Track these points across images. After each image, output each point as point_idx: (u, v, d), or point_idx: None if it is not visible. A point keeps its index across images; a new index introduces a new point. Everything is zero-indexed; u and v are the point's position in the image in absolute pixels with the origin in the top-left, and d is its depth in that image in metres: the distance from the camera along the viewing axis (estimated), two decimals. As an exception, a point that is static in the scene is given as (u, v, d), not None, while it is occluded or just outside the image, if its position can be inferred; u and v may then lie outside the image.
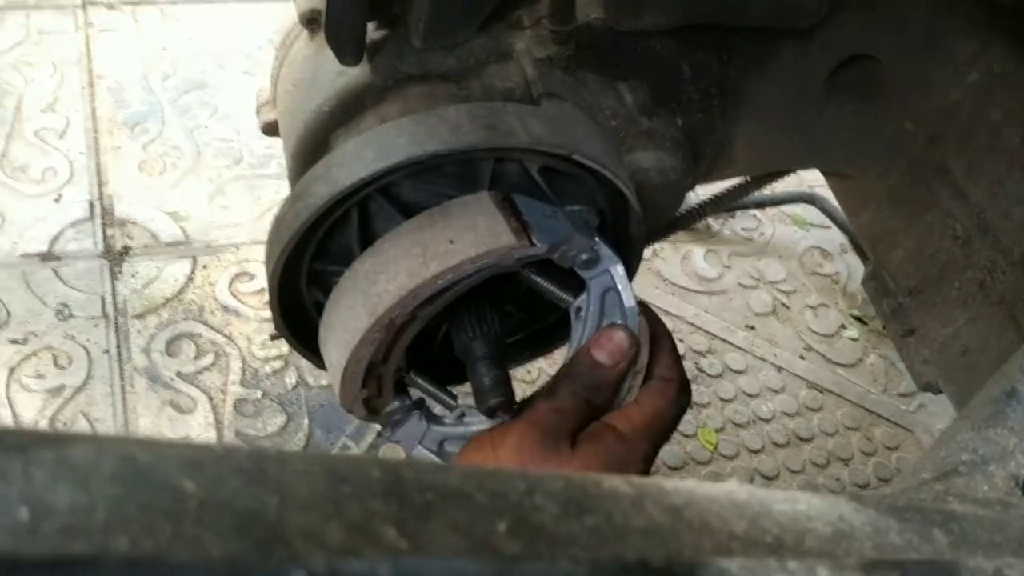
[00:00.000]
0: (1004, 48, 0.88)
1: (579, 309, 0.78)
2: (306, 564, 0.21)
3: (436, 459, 0.78)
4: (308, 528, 0.25)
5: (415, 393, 0.82)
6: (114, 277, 1.58)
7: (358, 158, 0.69)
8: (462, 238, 0.67)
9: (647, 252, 1.83)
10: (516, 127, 0.71)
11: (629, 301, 0.76)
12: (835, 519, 0.41)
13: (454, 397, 0.81)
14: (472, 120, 0.71)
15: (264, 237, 0.75)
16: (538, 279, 0.75)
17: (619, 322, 0.75)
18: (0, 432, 0.24)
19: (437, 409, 0.82)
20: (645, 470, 0.70)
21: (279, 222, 0.73)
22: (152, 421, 1.41)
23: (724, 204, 1.33)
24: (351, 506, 0.27)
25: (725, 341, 1.72)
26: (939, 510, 0.48)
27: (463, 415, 0.79)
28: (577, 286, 0.77)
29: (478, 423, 0.77)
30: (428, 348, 0.89)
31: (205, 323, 1.55)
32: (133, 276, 1.59)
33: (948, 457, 0.55)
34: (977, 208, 0.94)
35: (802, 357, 1.74)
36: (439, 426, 0.79)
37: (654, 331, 0.78)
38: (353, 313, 0.68)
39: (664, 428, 0.74)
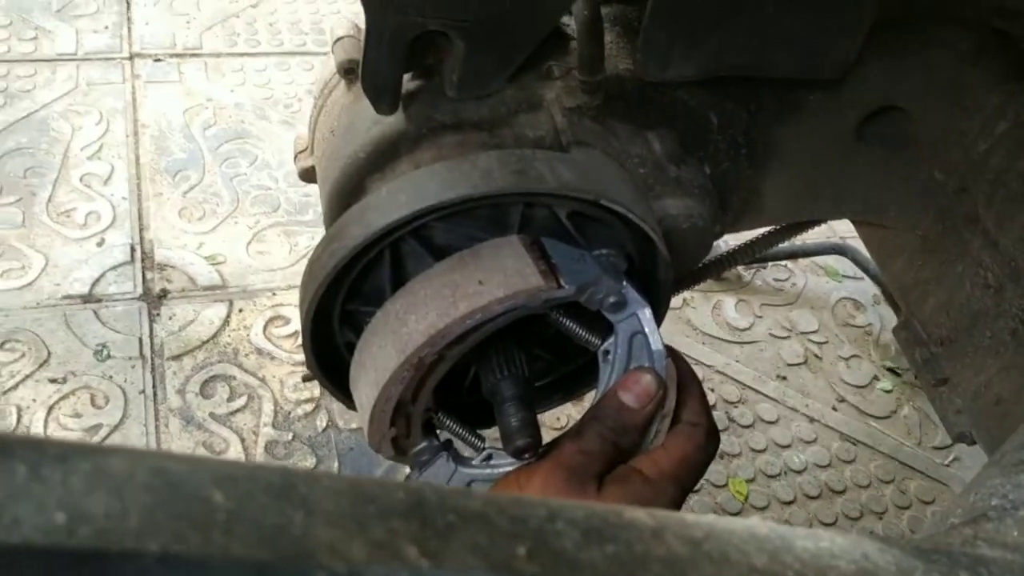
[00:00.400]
0: (1032, 98, 0.89)
1: (607, 352, 0.78)
2: (329, 568, 0.22)
3: None
4: (332, 543, 0.26)
5: (443, 434, 0.82)
6: (152, 319, 1.62)
7: (392, 202, 0.71)
8: (491, 279, 0.68)
9: (677, 300, 1.83)
10: (545, 173, 0.73)
11: (657, 345, 0.77)
12: (859, 557, 0.41)
13: (482, 439, 0.82)
14: (502, 166, 0.73)
15: (299, 282, 0.77)
16: (566, 321, 0.76)
17: (646, 365, 0.76)
18: (42, 442, 0.26)
19: (465, 451, 0.82)
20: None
21: (314, 262, 0.75)
22: (185, 462, 1.42)
23: (753, 253, 1.34)
24: (375, 524, 0.28)
25: (756, 391, 1.71)
26: (967, 553, 0.48)
27: (490, 457, 0.80)
28: (605, 330, 0.78)
29: (505, 465, 0.78)
30: (457, 390, 0.90)
31: (239, 366, 1.57)
32: (170, 319, 1.63)
33: (978, 502, 0.55)
34: (1008, 256, 0.94)
35: (834, 408, 1.72)
36: (466, 468, 0.80)
37: (682, 375, 0.78)
38: (383, 352, 0.70)
39: (692, 473, 0.74)
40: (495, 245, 0.72)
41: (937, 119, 0.97)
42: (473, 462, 0.80)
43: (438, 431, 0.82)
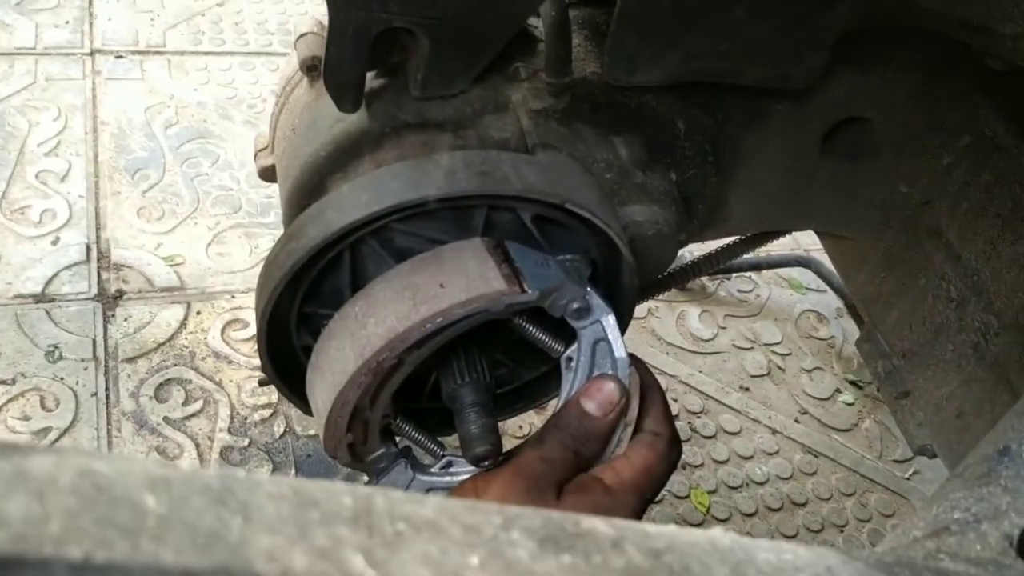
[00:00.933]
0: (995, 112, 0.90)
1: (569, 359, 0.77)
2: (261, 577, 0.21)
3: None
4: (272, 551, 0.25)
5: (401, 441, 0.80)
6: (107, 321, 1.58)
7: (352, 201, 0.70)
8: (452, 283, 0.67)
9: (642, 310, 1.82)
10: (510, 175, 0.72)
11: (620, 352, 0.76)
12: (822, 570, 0.40)
13: (441, 446, 0.80)
14: (467, 167, 0.71)
15: (257, 284, 0.75)
16: (529, 327, 0.75)
17: (609, 372, 0.75)
18: (-41, 442, 0.24)
19: (424, 458, 0.81)
20: None
21: (271, 262, 0.73)
22: (137, 467, 1.39)
23: (718, 263, 1.34)
24: (318, 531, 0.27)
25: (719, 402, 1.71)
26: (930, 567, 0.47)
27: (450, 464, 0.78)
28: (568, 336, 0.77)
29: (465, 473, 0.76)
30: (417, 396, 0.88)
31: (196, 369, 1.54)
32: (126, 320, 1.59)
33: (940, 515, 0.54)
34: (971, 270, 0.94)
35: (797, 420, 1.72)
36: (425, 475, 0.78)
37: (644, 384, 0.78)
38: (341, 355, 0.68)
39: (654, 483, 0.73)
40: (457, 247, 0.71)
41: (901, 132, 0.98)
42: (432, 469, 0.78)
43: (396, 438, 0.80)
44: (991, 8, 0.76)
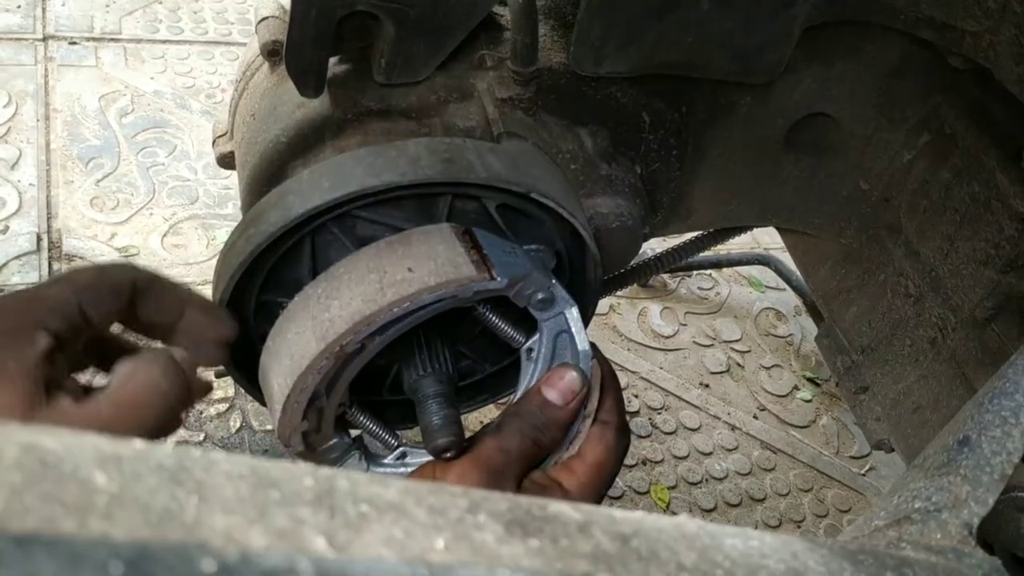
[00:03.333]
0: (956, 110, 0.91)
1: (530, 350, 0.77)
2: (218, 554, 0.20)
3: None
4: (229, 530, 0.23)
5: (355, 432, 0.79)
6: (57, 312, 1.53)
7: (314, 186, 0.68)
8: (421, 267, 0.65)
9: (604, 306, 1.83)
10: (475, 163, 0.71)
11: (583, 344, 0.75)
12: (788, 556, 0.40)
13: (396, 436, 0.79)
14: (431, 154, 0.70)
15: (215, 274, 0.73)
16: (491, 316, 0.74)
17: (571, 362, 0.74)
18: None
19: (379, 449, 0.79)
20: None
21: (229, 248, 0.71)
22: (88, 462, 1.35)
23: (680, 258, 1.34)
24: (278, 513, 0.25)
25: (680, 398, 1.72)
26: (892, 555, 0.47)
27: (404, 455, 0.77)
28: (530, 327, 0.76)
29: (420, 463, 0.75)
30: (378, 389, 0.87)
31: (150, 362, 1.50)
32: (78, 312, 1.55)
33: (901, 504, 0.54)
34: (929, 266, 0.95)
35: (755, 417, 1.73)
36: (378, 466, 0.77)
37: (603, 375, 0.77)
38: (301, 338, 0.66)
39: (607, 477, 0.73)
40: (425, 232, 0.69)
41: (863, 128, 0.99)
42: (385, 460, 0.77)
43: (350, 428, 0.79)
44: (953, 6, 0.77)
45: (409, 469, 0.75)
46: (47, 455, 0.23)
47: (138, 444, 0.25)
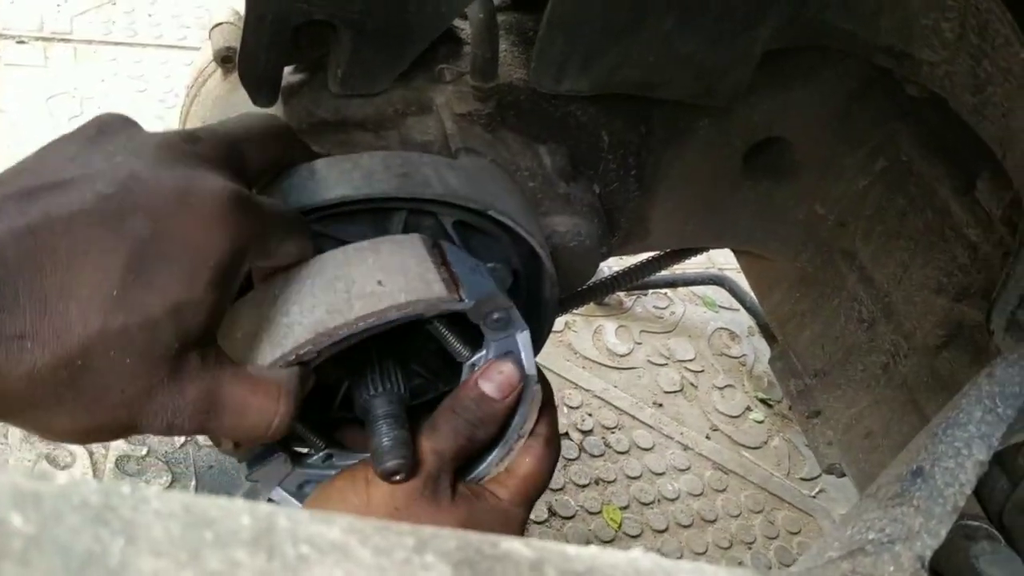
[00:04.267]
0: (911, 137, 0.91)
1: (473, 366, 0.75)
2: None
3: (294, 501, 0.73)
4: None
5: None
6: None
7: (263, 199, 0.66)
8: (391, 281, 0.63)
9: (559, 324, 1.82)
10: (431, 178, 0.69)
11: (530, 369, 0.74)
12: (744, 593, 0.39)
13: (322, 438, 0.76)
14: (386, 168, 0.68)
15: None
16: (441, 328, 0.72)
17: (509, 353, 0.73)
18: None
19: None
20: (520, 534, 0.70)
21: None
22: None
23: (636, 278, 1.34)
24: (212, 555, 0.24)
25: (633, 417, 1.71)
26: (847, 589, 0.47)
27: (330, 456, 0.75)
28: (476, 341, 0.75)
29: (345, 465, 0.73)
30: (327, 407, 0.85)
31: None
32: (17, 319, 1.50)
33: (855, 535, 0.54)
34: (882, 292, 0.96)
35: (708, 437, 1.74)
36: (304, 467, 0.74)
37: (544, 399, 0.77)
38: (253, 340, 0.62)
39: (539, 487, 0.74)
40: (396, 242, 0.67)
41: (820, 153, 0.99)
42: (310, 460, 0.75)
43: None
44: (911, 35, 0.78)
45: (334, 472, 0.73)
46: (-49, 494, 0.21)
47: (61, 480, 0.23)
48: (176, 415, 0.51)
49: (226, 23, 0.85)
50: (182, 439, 1.42)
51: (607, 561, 0.35)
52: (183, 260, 0.48)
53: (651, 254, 1.32)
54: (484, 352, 0.74)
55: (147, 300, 0.47)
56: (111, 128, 0.55)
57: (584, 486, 1.56)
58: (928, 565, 0.53)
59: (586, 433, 1.64)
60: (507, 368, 0.71)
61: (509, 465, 0.73)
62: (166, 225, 0.48)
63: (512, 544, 0.32)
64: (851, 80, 0.92)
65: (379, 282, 0.62)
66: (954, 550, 0.71)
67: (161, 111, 1.98)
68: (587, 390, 1.72)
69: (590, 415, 1.67)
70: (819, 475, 1.72)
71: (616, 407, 1.72)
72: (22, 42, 2.02)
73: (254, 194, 0.56)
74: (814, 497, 1.69)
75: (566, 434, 1.62)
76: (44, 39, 2.05)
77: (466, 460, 0.70)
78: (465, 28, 0.86)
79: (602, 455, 1.62)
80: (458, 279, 0.65)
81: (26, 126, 1.84)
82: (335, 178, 0.67)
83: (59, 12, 2.15)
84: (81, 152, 0.52)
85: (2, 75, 1.93)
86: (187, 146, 0.54)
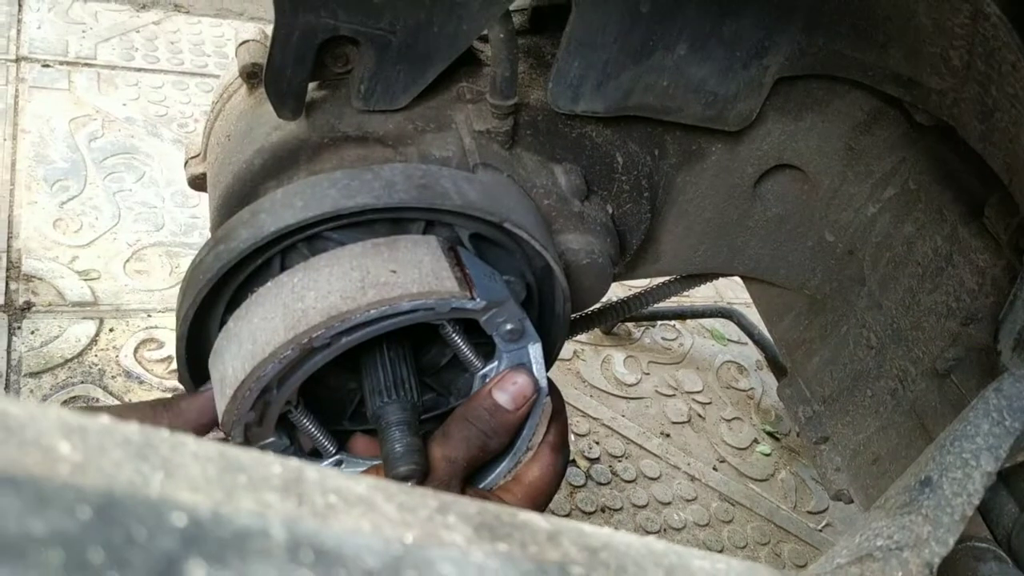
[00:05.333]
0: (920, 165, 0.93)
1: (485, 376, 0.76)
2: (190, 509, 0.19)
3: None
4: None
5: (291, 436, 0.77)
6: (12, 332, 1.50)
7: (286, 205, 0.68)
8: (405, 272, 0.65)
9: (568, 352, 1.83)
10: (450, 190, 0.71)
11: (542, 382, 0.75)
12: (754, 581, 0.40)
13: (334, 444, 0.77)
14: (406, 179, 0.70)
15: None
16: (455, 336, 0.73)
17: (523, 365, 0.74)
18: None
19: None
20: None
21: (197, 265, 0.70)
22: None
23: (646, 303, 1.35)
24: (245, 496, 0.25)
25: (641, 447, 1.71)
26: (855, 589, 0.47)
27: (340, 462, 0.76)
28: (488, 353, 0.76)
29: (355, 472, 0.74)
30: (338, 418, 0.86)
31: (104, 388, 1.47)
32: (33, 333, 1.51)
33: (864, 542, 0.54)
34: (891, 318, 0.97)
35: (715, 468, 1.73)
36: None
37: (553, 409, 0.78)
38: (268, 325, 0.64)
39: (547, 494, 0.74)
40: (413, 240, 0.69)
41: (830, 181, 1.01)
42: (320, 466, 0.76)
43: (291, 429, 0.77)
44: (919, 63, 0.79)
45: None
46: (9, 420, 0.23)
47: (105, 419, 0.25)
48: None
49: (252, 40, 0.87)
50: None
51: (622, 540, 0.36)
52: None
53: (660, 280, 1.33)
54: (496, 363, 0.76)
55: None
56: None
57: (590, 514, 1.55)
58: (936, 573, 0.53)
59: (593, 461, 1.64)
60: (521, 379, 0.72)
61: (517, 473, 0.74)
62: None
63: (530, 515, 0.34)
64: (860, 109, 0.94)
65: (393, 272, 0.64)
66: (962, 569, 0.71)
67: (180, 135, 2.01)
68: (595, 418, 1.72)
69: (597, 443, 1.67)
70: (826, 508, 1.72)
71: (623, 436, 1.72)
72: (47, 65, 2.06)
73: None
74: (820, 531, 1.68)
75: (573, 461, 1.62)
76: (69, 63, 2.09)
77: (479, 466, 0.71)
78: (485, 49, 0.88)
79: (609, 483, 1.62)
80: (471, 280, 0.67)
81: (48, 146, 1.87)
82: (356, 187, 0.69)
83: (84, 38, 2.20)
84: None
85: (27, 97, 1.97)
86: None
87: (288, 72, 0.75)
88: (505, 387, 0.71)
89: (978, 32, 0.71)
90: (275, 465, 0.27)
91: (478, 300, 0.66)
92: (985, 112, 0.75)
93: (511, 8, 0.78)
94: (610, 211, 0.93)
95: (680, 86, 0.85)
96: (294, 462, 0.28)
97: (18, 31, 2.14)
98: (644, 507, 1.61)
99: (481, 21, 0.75)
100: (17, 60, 2.05)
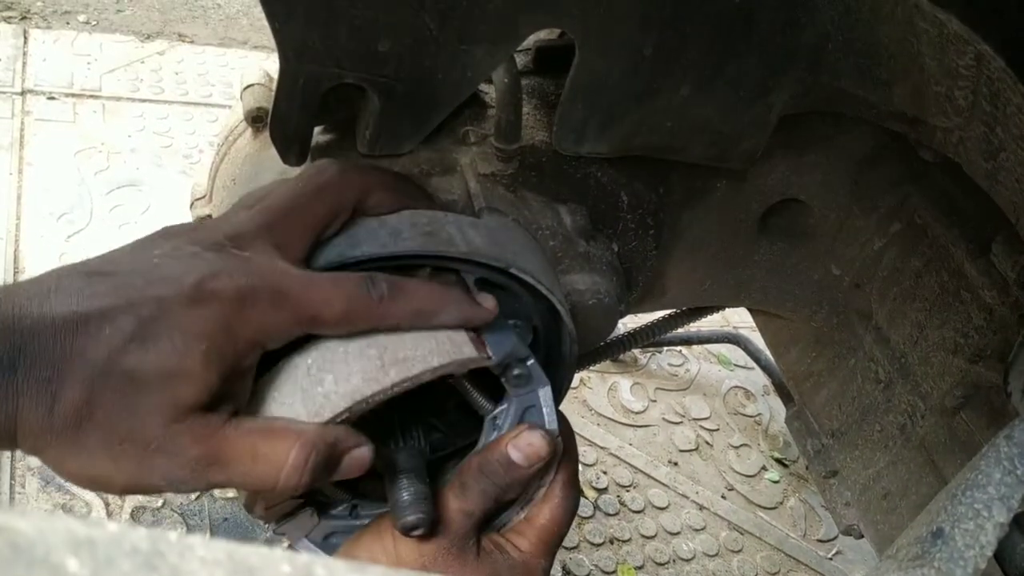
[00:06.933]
0: (926, 200, 0.93)
1: (495, 419, 0.76)
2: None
3: (321, 553, 0.73)
4: (204, 623, 0.23)
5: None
6: (18, 369, 1.50)
7: (291, 255, 0.68)
8: (422, 344, 0.65)
9: (574, 380, 1.82)
10: (455, 236, 0.71)
11: (551, 424, 0.75)
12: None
13: (348, 492, 0.77)
14: (412, 226, 0.70)
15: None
16: (466, 384, 0.73)
17: (537, 423, 0.74)
18: None
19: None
20: None
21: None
22: (39, 526, 1.31)
23: (652, 335, 1.34)
24: (255, 603, 0.25)
25: (649, 476, 1.70)
26: (870, 651, 0.47)
27: (355, 507, 0.76)
28: (497, 395, 0.76)
29: (369, 517, 0.74)
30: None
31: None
32: (39, 369, 1.51)
33: (876, 597, 0.54)
34: (898, 353, 0.96)
35: (724, 497, 1.72)
36: (329, 519, 0.75)
37: (565, 449, 0.78)
38: (290, 411, 0.64)
39: (559, 535, 0.74)
40: None
41: (835, 215, 1.01)
42: (335, 511, 0.76)
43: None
44: (924, 102, 0.79)
45: (361, 522, 0.74)
46: (18, 537, 0.22)
47: (112, 527, 0.24)
48: (174, 471, 0.55)
49: (257, 84, 0.87)
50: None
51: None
52: (176, 338, 0.54)
53: (667, 312, 1.33)
54: (505, 406, 0.75)
55: (140, 364, 0.53)
56: (171, 232, 0.62)
57: (598, 545, 1.54)
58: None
59: (601, 491, 1.63)
60: (536, 440, 0.72)
61: (528, 515, 0.74)
62: (170, 307, 0.55)
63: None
64: (865, 145, 0.94)
65: (410, 347, 0.64)
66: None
67: (185, 166, 2.02)
68: (602, 447, 1.72)
69: (605, 473, 1.67)
70: (836, 536, 1.70)
71: (631, 465, 1.71)
72: (52, 98, 2.07)
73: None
74: (831, 559, 1.67)
75: (581, 492, 1.61)
76: (74, 95, 2.11)
77: (490, 518, 0.72)
78: (489, 92, 0.88)
79: (617, 514, 1.61)
80: (483, 336, 0.67)
81: (54, 179, 1.88)
82: (362, 236, 0.69)
83: (89, 70, 2.21)
84: (136, 248, 0.59)
85: (32, 130, 1.98)
86: (224, 242, 0.60)
87: (293, 118, 0.75)
88: (520, 447, 0.71)
89: (983, 73, 0.71)
90: (284, 564, 0.27)
91: (493, 359, 0.67)
92: (991, 151, 0.75)
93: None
94: (616, 249, 0.93)
95: (684, 126, 0.85)
96: (303, 559, 0.28)
97: (24, 63, 2.15)
98: (653, 538, 1.60)
99: (486, 68, 0.75)
100: (23, 93, 2.06)
